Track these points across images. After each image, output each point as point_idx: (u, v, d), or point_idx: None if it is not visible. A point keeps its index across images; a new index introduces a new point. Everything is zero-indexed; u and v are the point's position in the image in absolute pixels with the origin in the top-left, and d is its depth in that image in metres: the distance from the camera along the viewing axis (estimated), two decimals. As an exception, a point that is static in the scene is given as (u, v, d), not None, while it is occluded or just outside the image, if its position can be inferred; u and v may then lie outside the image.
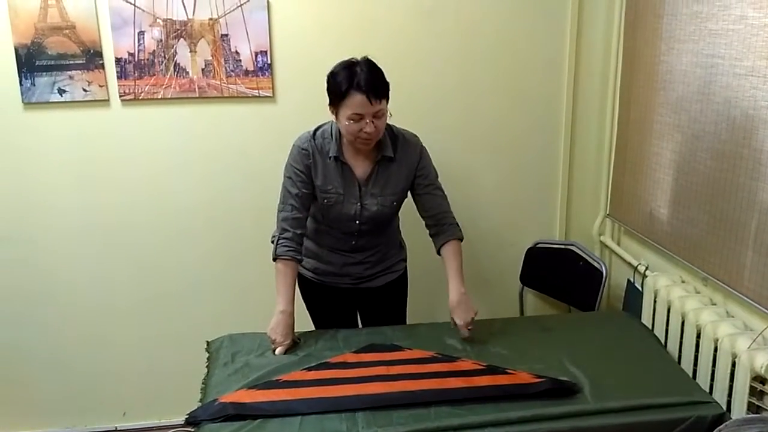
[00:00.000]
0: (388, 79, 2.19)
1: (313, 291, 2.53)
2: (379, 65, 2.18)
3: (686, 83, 2.34)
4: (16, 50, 2.63)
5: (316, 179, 2.30)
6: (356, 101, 2.10)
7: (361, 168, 2.31)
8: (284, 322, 2.23)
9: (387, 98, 2.18)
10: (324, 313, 2.56)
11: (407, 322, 2.63)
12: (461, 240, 2.40)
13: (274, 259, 2.31)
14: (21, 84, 2.67)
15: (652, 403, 1.92)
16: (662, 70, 2.49)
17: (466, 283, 3.18)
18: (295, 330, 2.36)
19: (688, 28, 2.32)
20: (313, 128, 2.34)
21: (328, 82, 2.19)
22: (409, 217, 2.53)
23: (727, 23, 2.10)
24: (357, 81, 2.09)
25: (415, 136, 2.39)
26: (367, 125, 2.13)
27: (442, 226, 2.38)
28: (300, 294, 2.54)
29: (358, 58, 2.18)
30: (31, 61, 2.65)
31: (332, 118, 2.25)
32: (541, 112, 3.01)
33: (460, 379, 2.02)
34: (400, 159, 2.33)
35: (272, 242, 2.32)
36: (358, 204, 2.32)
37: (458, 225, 2.41)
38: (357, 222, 2.34)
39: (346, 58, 2.20)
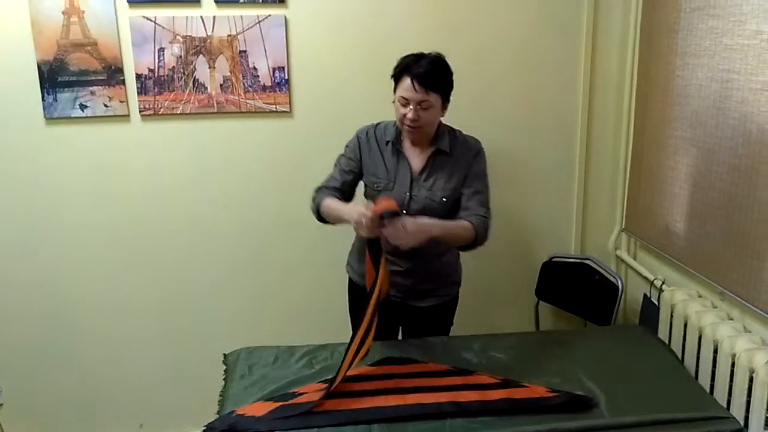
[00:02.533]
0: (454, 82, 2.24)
1: (360, 299, 2.46)
2: (451, 66, 2.23)
3: (701, 98, 2.34)
4: (39, 66, 2.69)
5: (367, 164, 2.34)
6: (405, 85, 2.17)
7: (416, 160, 2.33)
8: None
9: (440, 94, 2.20)
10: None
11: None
12: (475, 229, 2.23)
13: (317, 213, 2.32)
14: (43, 99, 2.72)
15: (669, 418, 1.91)
16: (677, 84, 2.50)
17: (483, 297, 3.18)
18: (309, 344, 2.38)
19: (703, 43, 2.33)
20: (378, 121, 2.41)
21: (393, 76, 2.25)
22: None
23: (743, 38, 2.11)
24: (412, 67, 2.16)
25: (477, 140, 2.39)
26: (410, 111, 2.17)
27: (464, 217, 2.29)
28: (348, 302, 2.57)
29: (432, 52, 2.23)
30: (54, 77, 2.70)
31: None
32: (557, 127, 3.02)
33: (475, 393, 2.03)
34: (456, 156, 2.32)
35: (313, 200, 2.35)
36: (408, 194, 2.30)
37: (482, 219, 2.27)
38: (405, 213, 2.29)
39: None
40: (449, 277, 2.48)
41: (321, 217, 2.33)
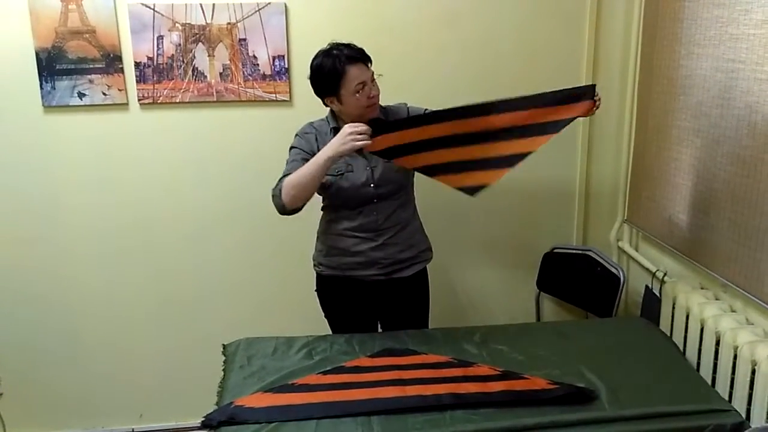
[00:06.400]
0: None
1: (334, 291, 2.49)
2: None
3: (706, 88, 2.32)
4: (37, 54, 2.67)
5: None
6: (355, 72, 2.21)
7: None
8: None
9: None
10: (343, 317, 2.52)
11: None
12: None
13: (280, 201, 2.25)
14: (41, 88, 2.70)
15: (670, 411, 1.90)
16: (681, 74, 2.47)
17: (484, 288, 3.18)
18: (308, 335, 2.37)
19: (708, 32, 2.30)
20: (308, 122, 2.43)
21: (316, 77, 2.26)
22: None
23: (748, 28, 2.08)
24: (345, 56, 2.22)
25: (403, 103, 2.48)
26: (372, 89, 2.26)
27: None
28: (318, 297, 2.53)
29: (327, 45, 2.27)
30: (52, 65, 2.68)
31: (329, 111, 2.36)
32: (559, 117, 3.00)
33: (476, 384, 2.02)
34: (392, 118, 2.39)
35: (274, 196, 2.28)
36: (369, 169, 2.34)
37: None
38: (372, 186, 2.33)
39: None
40: (422, 242, 2.52)
41: (284, 206, 2.24)
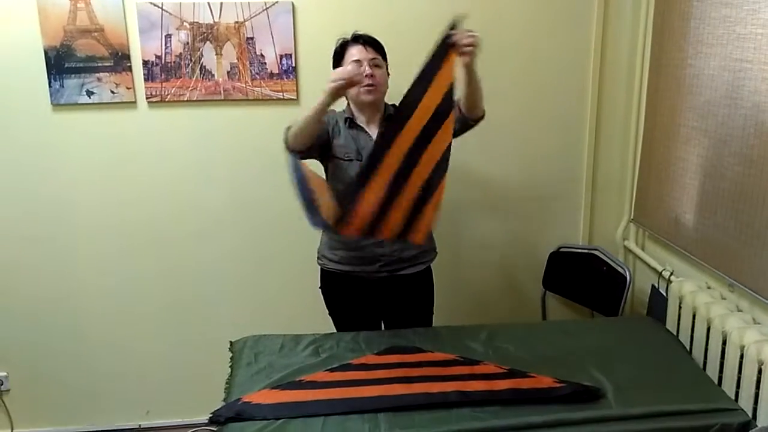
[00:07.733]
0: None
1: (338, 287, 2.50)
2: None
3: (714, 87, 2.31)
4: (46, 52, 2.68)
5: (337, 139, 2.39)
6: (354, 51, 2.36)
7: (373, 128, 2.41)
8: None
9: (383, 56, 2.40)
10: (347, 315, 2.54)
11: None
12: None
13: (285, 142, 2.31)
14: (50, 86, 2.71)
15: (677, 410, 1.90)
16: (689, 74, 2.47)
17: (490, 287, 3.18)
18: (315, 333, 2.38)
19: (716, 32, 2.30)
20: None
21: (333, 60, 2.43)
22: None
23: (756, 27, 2.08)
24: (352, 37, 2.39)
25: None
26: (366, 68, 2.32)
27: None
28: (322, 294, 2.54)
29: None
30: (60, 63, 2.69)
31: (346, 104, 2.45)
32: (566, 116, 2.99)
33: (482, 382, 2.02)
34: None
35: (286, 130, 2.31)
36: None
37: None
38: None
39: None
40: (427, 242, 2.49)
41: (286, 141, 2.29)
